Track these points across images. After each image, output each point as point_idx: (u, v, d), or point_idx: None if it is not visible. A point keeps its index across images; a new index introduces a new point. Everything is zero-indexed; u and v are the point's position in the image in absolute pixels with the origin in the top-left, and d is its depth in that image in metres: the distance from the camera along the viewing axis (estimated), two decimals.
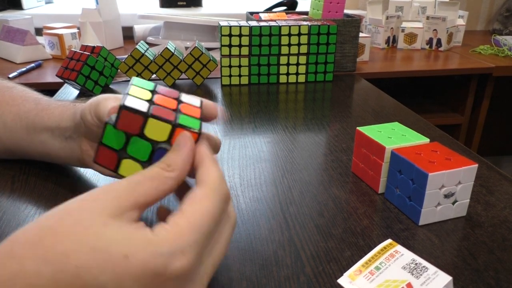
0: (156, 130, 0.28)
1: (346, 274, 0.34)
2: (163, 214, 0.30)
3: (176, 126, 0.28)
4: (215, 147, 0.34)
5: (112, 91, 0.83)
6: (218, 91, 0.85)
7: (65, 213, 0.23)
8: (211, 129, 0.65)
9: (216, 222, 0.26)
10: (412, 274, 0.33)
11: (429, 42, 1.43)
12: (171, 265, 0.23)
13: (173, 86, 0.86)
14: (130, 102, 0.28)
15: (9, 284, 0.21)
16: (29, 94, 0.50)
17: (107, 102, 0.36)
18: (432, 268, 0.33)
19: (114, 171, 0.29)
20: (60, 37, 1.21)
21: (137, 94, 0.30)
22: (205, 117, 0.33)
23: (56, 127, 0.44)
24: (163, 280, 0.23)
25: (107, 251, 0.22)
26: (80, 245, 0.22)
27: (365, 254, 0.36)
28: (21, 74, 1.07)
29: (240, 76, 0.88)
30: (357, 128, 0.49)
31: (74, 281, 0.21)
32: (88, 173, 0.50)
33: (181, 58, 0.85)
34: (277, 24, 0.86)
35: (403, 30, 1.43)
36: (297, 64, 0.89)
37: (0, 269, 0.21)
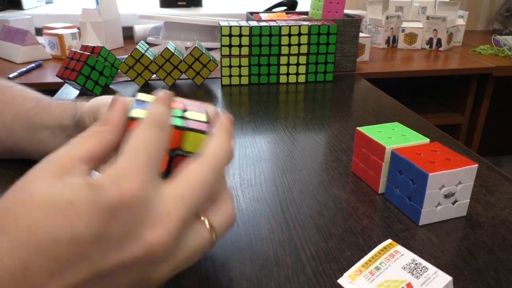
0: (194, 143, 0.28)
1: (346, 274, 0.34)
2: None
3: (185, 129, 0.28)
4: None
5: (112, 91, 0.83)
6: (218, 91, 0.85)
7: (14, 188, 0.24)
8: None
9: (154, 149, 0.25)
10: (412, 274, 0.33)
11: (429, 42, 1.43)
12: (116, 194, 0.22)
13: (173, 86, 0.86)
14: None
15: None
16: (29, 93, 0.50)
17: (106, 108, 0.36)
18: (432, 268, 0.33)
19: None
20: (60, 37, 1.21)
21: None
22: None
23: (56, 126, 0.44)
24: (113, 213, 0.22)
25: (53, 203, 0.22)
26: (28, 207, 0.22)
27: (365, 254, 0.36)
28: (21, 74, 1.07)
29: (240, 76, 0.88)
30: (357, 128, 0.49)
31: (29, 240, 0.21)
32: None
33: (181, 58, 0.85)
34: (277, 24, 0.86)
35: (403, 30, 1.43)
36: (297, 64, 0.89)
37: None
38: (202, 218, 0.26)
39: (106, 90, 0.82)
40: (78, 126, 0.41)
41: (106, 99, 0.38)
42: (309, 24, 0.87)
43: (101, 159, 0.26)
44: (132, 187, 0.23)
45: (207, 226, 0.26)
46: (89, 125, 0.37)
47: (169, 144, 0.27)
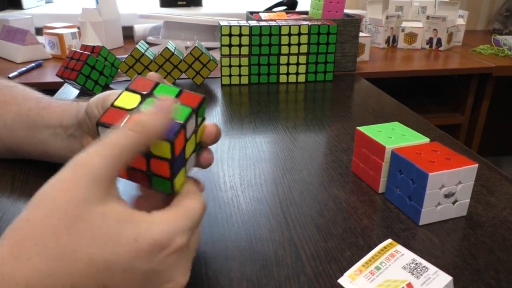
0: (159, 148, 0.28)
1: (346, 274, 0.34)
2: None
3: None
4: (217, 136, 0.34)
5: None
6: (218, 91, 0.85)
7: (54, 207, 0.23)
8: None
9: (200, 219, 0.29)
10: (412, 274, 0.33)
11: (429, 42, 1.43)
12: (174, 242, 0.26)
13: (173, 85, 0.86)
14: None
15: (22, 283, 0.21)
16: (30, 93, 0.50)
17: (114, 96, 0.36)
18: (432, 268, 0.33)
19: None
20: (60, 36, 1.21)
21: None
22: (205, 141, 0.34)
23: (58, 125, 0.44)
24: (167, 254, 0.26)
25: (115, 240, 0.24)
26: (86, 237, 0.23)
27: (365, 254, 0.36)
28: (21, 73, 1.07)
29: (240, 75, 0.88)
30: (357, 128, 0.49)
31: (86, 269, 0.22)
32: None
33: (181, 57, 0.84)
34: (277, 24, 0.86)
35: (403, 30, 1.43)
36: (297, 64, 0.89)
37: (12, 273, 0.21)
38: None
39: (106, 90, 0.82)
40: (80, 126, 0.41)
41: (112, 91, 0.38)
42: (309, 23, 0.87)
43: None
44: (185, 241, 0.27)
45: None
46: (98, 116, 0.37)
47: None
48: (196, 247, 0.31)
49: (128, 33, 1.46)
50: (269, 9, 1.39)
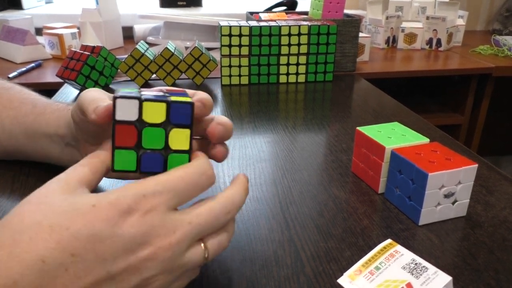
0: (153, 113, 0.28)
1: (346, 274, 0.34)
2: None
3: (170, 103, 0.28)
4: (227, 133, 0.34)
5: (112, 91, 0.83)
6: (218, 91, 0.85)
7: (25, 202, 0.26)
8: None
9: (189, 189, 0.28)
10: (412, 274, 0.33)
11: (429, 42, 1.43)
12: (138, 204, 0.25)
13: (173, 86, 0.86)
14: (122, 93, 0.29)
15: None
16: (26, 95, 0.49)
17: (87, 93, 0.35)
18: (432, 268, 0.33)
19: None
20: (60, 37, 1.21)
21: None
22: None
23: (54, 134, 0.43)
24: (129, 217, 0.25)
25: (75, 208, 0.24)
26: (49, 213, 0.24)
27: (365, 254, 0.36)
28: (21, 74, 1.07)
29: (240, 76, 0.88)
30: (357, 128, 0.49)
31: (49, 237, 0.23)
32: None
33: (181, 58, 0.85)
34: (277, 24, 0.86)
35: (403, 30, 1.43)
36: (297, 64, 0.89)
37: None
38: (202, 243, 0.29)
39: (106, 90, 0.82)
40: (75, 135, 0.40)
41: (91, 92, 0.37)
42: (309, 24, 0.87)
43: (94, 186, 0.29)
44: (154, 204, 0.26)
45: (203, 248, 0.29)
46: (78, 122, 0.37)
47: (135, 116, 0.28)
48: (205, 216, 0.28)
49: (128, 34, 1.46)
50: (269, 10, 1.39)
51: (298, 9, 1.43)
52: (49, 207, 0.25)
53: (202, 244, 0.29)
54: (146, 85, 0.86)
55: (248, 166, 0.53)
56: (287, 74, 0.90)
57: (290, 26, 0.86)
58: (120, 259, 0.25)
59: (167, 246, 0.26)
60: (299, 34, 0.86)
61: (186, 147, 0.29)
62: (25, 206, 0.25)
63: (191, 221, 0.27)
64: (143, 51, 0.83)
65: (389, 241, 0.37)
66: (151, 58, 0.84)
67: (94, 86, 0.78)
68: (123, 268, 0.25)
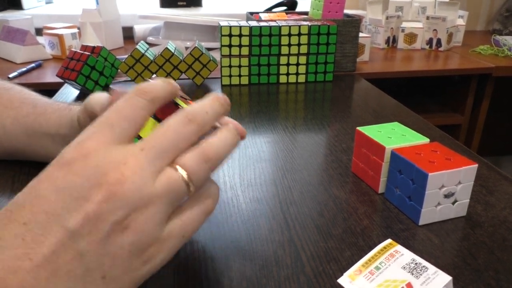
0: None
1: (346, 274, 0.34)
2: None
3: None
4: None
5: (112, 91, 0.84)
6: (218, 91, 0.85)
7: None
8: None
9: (124, 113, 0.26)
10: (412, 274, 0.33)
11: (429, 42, 1.43)
12: (77, 152, 0.24)
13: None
14: None
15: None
16: (27, 95, 0.49)
17: (95, 99, 0.36)
18: (432, 268, 0.33)
19: None
20: (60, 37, 1.21)
21: None
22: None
23: (55, 134, 0.44)
24: (70, 168, 0.24)
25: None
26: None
27: (365, 254, 0.36)
28: (21, 74, 1.07)
29: (240, 76, 0.88)
30: (357, 128, 0.49)
31: (1, 215, 0.23)
32: None
33: (181, 58, 0.85)
34: (277, 24, 0.86)
35: (403, 30, 1.43)
36: (297, 64, 0.89)
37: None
38: (174, 165, 0.26)
39: (106, 90, 0.82)
40: (78, 133, 0.41)
41: (99, 98, 0.37)
42: (309, 24, 0.87)
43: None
44: (91, 145, 0.24)
45: (176, 170, 0.25)
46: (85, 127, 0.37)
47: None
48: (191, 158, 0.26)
49: (128, 34, 1.46)
50: (269, 10, 1.39)
51: (298, 9, 1.43)
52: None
53: (176, 166, 0.25)
54: None
55: (248, 166, 0.53)
56: (287, 74, 0.90)
57: (290, 26, 0.86)
58: (74, 210, 0.23)
59: (120, 179, 0.23)
60: (299, 34, 0.86)
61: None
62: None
63: (142, 147, 0.25)
64: (143, 51, 0.83)
65: (389, 241, 0.37)
66: (151, 58, 0.84)
67: (94, 86, 0.78)
68: (83, 219, 0.23)
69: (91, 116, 0.37)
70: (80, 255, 0.23)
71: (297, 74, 0.90)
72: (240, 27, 0.84)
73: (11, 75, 1.04)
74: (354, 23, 0.99)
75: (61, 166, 0.24)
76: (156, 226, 0.25)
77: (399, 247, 0.36)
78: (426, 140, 0.46)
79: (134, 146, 0.25)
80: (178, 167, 0.25)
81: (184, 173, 0.25)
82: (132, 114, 0.26)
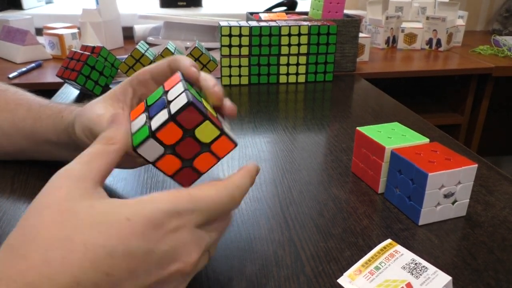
0: (206, 132, 0.29)
1: (346, 274, 0.34)
2: None
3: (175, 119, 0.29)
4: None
5: None
6: None
7: (44, 206, 0.24)
8: None
9: (217, 211, 0.28)
10: (412, 274, 0.33)
11: (429, 42, 1.43)
12: (171, 220, 0.25)
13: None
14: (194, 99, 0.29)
15: (18, 279, 0.21)
16: (22, 96, 0.49)
17: (102, 122, 0.36)
18: (431, 268, 0.34)
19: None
20: (60, 37, 1.21)
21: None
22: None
23: (55, 141, 0.43)
24: (163, 233, 0.25)
25: (107, 221, 0.23)
26: (80, 226, 0.23)
27: (365, 254, 0.36)
28: (21, 74, 1.07)
29: (240, 76, 0.88)
30: (357, 128, 0.49)
31: (84, 256, 0.22)
32: None
33: None
34: (277, 24, 0.86)
35: (403, 30, 1.43)
36: (297, 64, 0.89)
37: (7, 267, 0.21)
38: (209, 253, 0.30)
39: (106, 90, 0.82)
40: (72, 140, 0.40)
41: (97, 111, 0.37)
42: (309, 24, 0.87)
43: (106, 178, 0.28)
44: (183, 222, 0.26)
45: (208, 254, 0.30)
46: (86, 142, 0.37)
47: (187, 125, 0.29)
48: (215, 236, 0.29)
49: (128, 34, 1.46)
50: (269, 10, 1.39)
51: (298, 9, 1.43)
52: (76, 217, 0.23)
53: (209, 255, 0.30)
54: None
55: None
56: (287, 74, 0.90)
57: (290, 26, 0.86)
58: (152, 274, 0.25)
59: (195, 261, 0.27)
60: (299, 34, 0.86)
61: (216, 133, 0.29)
62: (46, 213, 0.23)
63: (211, 236, 0.28)
64: (143, 51, 0.83)
65: (389, 241, 0.37)
66: (151, 58, 0.84)
67: (94, 86, 0.78)
68: (154, 282, 0.25)
69: (89, 134, 0.37)
70: None
71: (297, 74, 0.90)
72: (240, 27, 0.84)
73: (11, 75, 1.04)
74: (354, 23, 0.99)
75: (156, 228, 0.24)
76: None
77: (399, 247, 0.36)
78: (426, 140, 0.46)
79: (206, 233, 0.28)
80: (208, 252, 0.30)
81: (209, 257, 0.30)
82: (219, 213, 0.29)
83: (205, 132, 0.29)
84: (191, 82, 0.33)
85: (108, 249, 0.22)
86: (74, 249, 0.22)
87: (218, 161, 0.31)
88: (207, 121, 0.29)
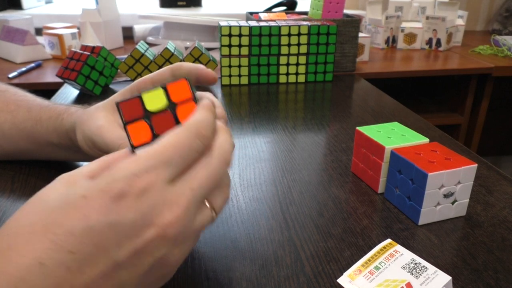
0: (154, 101, 0.29)
1: (345, 274, 0.34)
2: None
3: (165, 87, 0.29)
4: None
5: (112, 91, 0.83)
6: (218, 91, 0.85)
7: (26, 204, 0.25)
8: None
9: (185, 156, 0.26)
10: (412, 274, 0.33)
11: (429, 42, 1.43)
12: (131, 186, 0.24)
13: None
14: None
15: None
16: (22, 97, 0.49)
17: (103, 134, 0.35)
18: (431, 268, 0.34)
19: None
20: (60, 37, 1.21)
21: None
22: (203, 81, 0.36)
23: (57, 143, 0.43)
24: (125, 202, 0.23)
25: (66, 202, 0.23)
26: (42, 211, 0.23)
27: (365, 254, 0.36)
28: (21, 74, 1.07)
29: (240, 76, 0.88)
30: (357, 128, 0.49)
31: (44, 237, 0.22)
32: None
33: (181, 58, 0.85)
34: (276, 24, 0.86)
35: (402, 30, 1.43)
36: (297, 64, 0.89)
37: None
38: (207, 203, 0.28)
39: (106, 90, 0.82)
40: (73, 143, 0.41)
41: (97, 122, 0.37)
42: (309, 24, 0.87)
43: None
44: (147, 181, 0.24)
45: (209, 208, 0.28)
46: (89, 152, 0.37)
47: (136, 114, 0.28)
48: (199, 182, 0.26)
49: (128, 34, 1.46)
50: (268, 10, 1.39)
51: (298, 9, 1.42)
52: (44, 205, 0.23)
53: (208, 204, 0.27)
54: None
55: (248, 166, 0.53)
56: (287, 74, 0.90)
57: (290, 26, 0.86)
58: (125, 246, 0.23)
59: (174, 221, 0.24)
60: (299, 34, 0.87)
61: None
62: (24, 207, 0.24)
63: (191, 187, 0.26)
64: (143, 51, 0.83)
65: (388, 241, 0.37)
66: (151, 58, 0.84)
67: (94, 86, 0.78)
68: (130, 254, 0.24)
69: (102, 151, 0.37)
70: (119, 285, 0.24)
71: (297, 74, 0.90)
72: (240, 27, 0.84)
73: (11, 75, 1.04)
74: (354, 23, 0.99)
75: (114, 198, 0.23)
76: (186, 256, 0.27)
77: (398, 247, 0.36)
78: (425, 140, 0.46)
79: (184, 185, 0.26)
80: (209, 206, 0.28)
81: (214, 214, 0.28)
82: (188, 156, 0.26)
83: (154, 100, 0.29)
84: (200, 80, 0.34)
85: (68, 228, 0.22)
86: (35, 231, 0.22)
87: None
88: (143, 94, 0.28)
